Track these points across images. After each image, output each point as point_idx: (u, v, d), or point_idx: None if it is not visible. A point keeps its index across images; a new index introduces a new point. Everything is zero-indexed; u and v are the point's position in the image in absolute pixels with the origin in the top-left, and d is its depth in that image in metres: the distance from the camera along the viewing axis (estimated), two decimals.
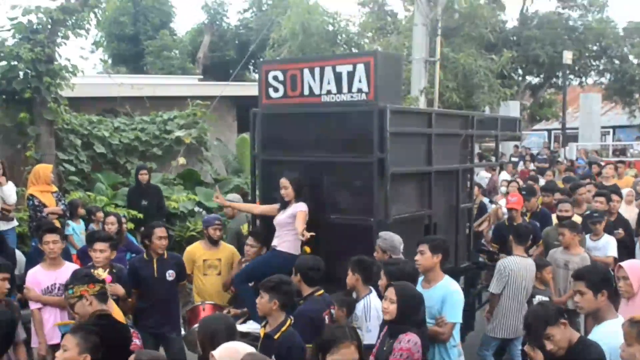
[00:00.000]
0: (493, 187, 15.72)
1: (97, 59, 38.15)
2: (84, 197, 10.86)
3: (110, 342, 4.46)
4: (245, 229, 9.45)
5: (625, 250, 8.80)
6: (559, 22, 31.74)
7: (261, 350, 4.95)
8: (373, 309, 5.69)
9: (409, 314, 4.81)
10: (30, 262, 7.47)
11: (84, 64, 42.68)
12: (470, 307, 8.46)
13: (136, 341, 5.09)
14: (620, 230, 9.16)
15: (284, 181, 6.91)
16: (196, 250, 7.84)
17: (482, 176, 16.85)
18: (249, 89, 15.17)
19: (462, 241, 8.36)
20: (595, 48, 33.09)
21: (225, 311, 7.01)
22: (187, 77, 25.48)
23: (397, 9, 29.47)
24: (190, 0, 53.47)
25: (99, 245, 6.57)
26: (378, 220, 6.69)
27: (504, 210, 9.92)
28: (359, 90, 6.93)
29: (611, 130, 37.45)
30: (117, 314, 5.41)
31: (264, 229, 7.53)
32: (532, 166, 20.53)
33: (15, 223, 9.28)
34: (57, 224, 8.74)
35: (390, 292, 4.88)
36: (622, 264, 5.24)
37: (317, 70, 7.19)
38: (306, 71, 7.26)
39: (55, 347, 6.60)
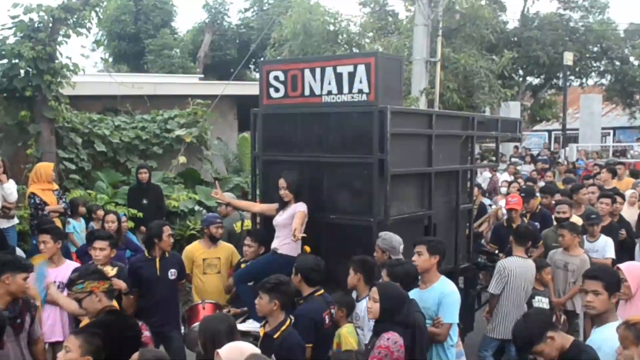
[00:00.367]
0: (493, 188, 15.74)
1: (98, 57, 38.26)
2: (84, 196, 10.87)
3: (122, 335, 4.49)
4: (238, 227, 9.49)
5: (627, 252, 8.81)
6: (559, 23, 31.77)
7: (261, 349, 4.96)
8: None
9: (392, 313, 4.83)
10: None
11: (85, 62, 42.61)
12: (470, 308, 8.48)
13: (146, 333, 5.14)
14: (623, 231, 9.18)
15: (282, 182, 6.92)
16: (195, 250, 7.85)
17: (486, 176, 16.88)
18: (250, 88, 15.16)
19: (462, 242, 8.37)
20: (596, 49, 33.12)
21: (225, 310, 7.03)
22: (188, 76, 25.50)
23: (398, 9, 29.50)
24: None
25: (98, 244, 6.60)
26: (378, 221, 6.70)
27: (504, 211, 9.94)
28: (360, 91, 6.94)
29: (611, 132, 37.49)
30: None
31: (264, 228, 7.54)
32: (532, 167, 20.54)
33: (15, 221, 9.27)
34: (58, 222, 8.76)
35: (374, 292, 4.92)
36: (620, 266, 5.25)
37: (317, 71, 7.20)
38: (307, 71, 7.27)
39: (54, 345, 6.64)
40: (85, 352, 4.16)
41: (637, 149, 31.32)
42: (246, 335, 6.13)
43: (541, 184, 13.97)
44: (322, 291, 5.90)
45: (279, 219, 7.00)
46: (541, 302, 7.67)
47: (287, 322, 5.18)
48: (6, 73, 10.90)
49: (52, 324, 6.60)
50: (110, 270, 5.31)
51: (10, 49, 10.80)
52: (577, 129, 33.52)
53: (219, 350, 3.90)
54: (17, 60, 10.82)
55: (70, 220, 9.44)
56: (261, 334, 5.27)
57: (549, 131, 37.71)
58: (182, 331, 7.07)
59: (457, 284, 7.75)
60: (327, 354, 5.67)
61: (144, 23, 34.52)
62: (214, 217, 8.18)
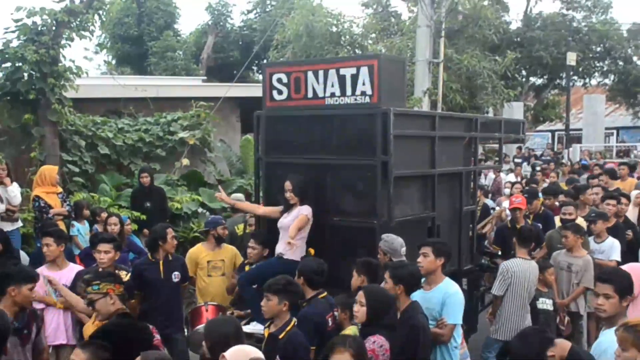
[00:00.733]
0: (497, 189, 15.73)
1: (101, 60, 38.28)
2: (87, 198, 10.88)
3: (134, 338, 4.50)
4: (240, 229, 9.49)
5: (631, 253, 8.80)
6: (563, 23, 31.76)
7: (265, 350, 4.98)
8: None
9: (378, 316, 4.83)
10: (34, 263, 7.49)
11: (88, 64, 42.66)
12: (474, 309, 8.47)
13: (156, 336, 5.14)
14: (629, 232, 9.18)
15: (288, 184, 6.92)
16: (199, 252, 7.86)
17: (492, 178, 16.87)
18: (253, 90, 15.17)
19: (466, 243, 8.36)
20: (599, 49, 33.09)
21: (228, 312, 7.04)
22: (191, 78, 25.52)
23: (400, 10, 29.46)
24: (195, 2, 53.53)
25: (103, 247, 6.61)
26: (381, 223, 6.70)
27: (508, 212, 9.93)
28: (363, 93, 6.93)
29: (615, 132, 37.46)
30: None
31: (268, 231, 7.54)
32: (537, 167, 20.52)
33: (19, 224, 9.32)
34: (62, 225, 8.78)
35: (360, 296, 4.95)
36: (623, 267, 5.26)
37: (321, 73, 7.19)
38: (310, 74, 7.27)
39: (58, 348, 6.66)
40: None
41: None
42: (249, 338, 6.14)
43: (544, 184, 13.96)
44: (325, 294, 5.90)
45: (283, 222, 7.00)
46: (545, 304, 7.67)
47: (292, 323, 5.19)
48: (10, 76, 10.92)
49: (55, 327, 6.62)
50: (124, 275, 5.33)
51: (13, 52, 10.83)
52: (580, 129, 33.52)
53: (225, 354, 3.90)
54: (20, 64, 10.85)
55: (74, 223, 9.47)
56: (265, 335, 5.28)
57: (553, 131, 37.72)
58: (185, 333, 7.07)
59: (460, 285, 7.76)
60: None
61: (147, 25, 34.58)
62: (219, 218, 8.21)
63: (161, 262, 6.91)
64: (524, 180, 14.76)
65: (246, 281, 6.96)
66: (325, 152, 7.14)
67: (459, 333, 5.84)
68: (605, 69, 34.38)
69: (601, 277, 4.80)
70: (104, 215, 9.23)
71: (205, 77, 26.48)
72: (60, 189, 9.54)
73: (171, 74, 30.51)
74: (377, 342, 4.75)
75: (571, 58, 27.85)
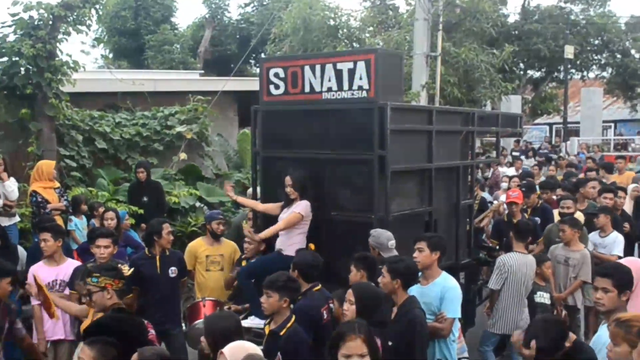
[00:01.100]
0: (495, 182, 15.73)
1: (98, 54, 38.19)
2: (85, 193, 10.87)
3: (128, 333, 4.50)
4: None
5: (628, 245, 8.83)
6: (560, 16, 31.70)
7: (267, 347, 4.99)
8: None
9: (369, 314, 4.82)
10: (32, 258, 7.50)
11: (85, 58, 42.68)
12: (471, 303, 8.49)
13: (151, 331, 5.14)
14: (627, 225, 9.20)
15: (288, 179, 6.92)
16: (198, 246, 7.86)
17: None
18: (251, 84, 15.14)
19: (463, 237, 8.38)
20: (597, 42, 33.07)
21: (226, 307, 7.04)
22: (188, 72, 25.48)
23: (398, 2, 29.49)
24: None
25: (102, 242, 6.63)
26: (378, 217, 6.71)
27: (505, 206, 9.94)
28: (360, 88, 6.93)
29: (613, 125, 37.48)
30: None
31: (264, 226, 7.54)
32: (534, 161, 20.53)
33: (17, 219, 9.30)
34: (60, 220, 8.78)
35: (349, 294, 4.95)
36: (620, 261, 5.27)
37: (317, 68, 7.19)
38: (307, 68, 7.26)
39: (56, 343, 6.66)
40: None
41: (638, 142, 31.34)
42: (247, 332, 6.15)
43: (541, 178, 13.98)
44: (319, 286, 5.91)
45: (283, 217, 7.01)
46: (542, 297, 7.69)
47: (293, 319, 5.19)
48: (6, 71, 10.90)
49: (53, 322, 6.61)
50: (127, 270, 5.31)
51: (10, 47, 10.80)
52: (578, 122, 33.51)
53: (223, 350, 3.90)
54: (17, 58, 10.82)
55: (72, 217, 9.47)
56: (266, 332, 5.28)
57: (550, 124, 37.71)
58: (183, 329, 7.08)
59: (458, 279, 7.77)
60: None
61: (144, 19, 34.50)
62: (217, 213, 8.21)
63: (158, 257, 6.93)
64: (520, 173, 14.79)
65: (245, 275, 6.97)
66: (322, 147, 7.14)
67: (456, 327, 5.87)
68: (603, 61, 34.34)
69: (600, 272, 4.82)
70: (101, 209, 9.23)
71: (202, 71, 26.42)
72: (57, 184, 9.52)
73: (168, 67, 30.46)
74: None
75: (569, 51, 27.83)
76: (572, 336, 4.41)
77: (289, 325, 5.14)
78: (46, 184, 9.24)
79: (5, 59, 10.96)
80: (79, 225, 9.50)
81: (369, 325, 4.71)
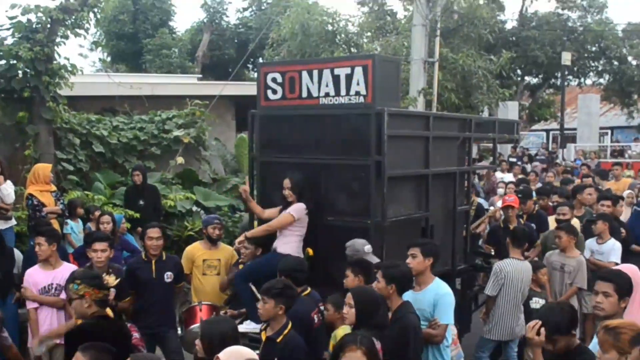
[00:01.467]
0: (491, 188, 15.73)
1: (96, 58, 38.21)
2: (82, 196, 10.86)
3: (111, 337, 4.48)
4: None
5: (623, 251, 8.84)
6: (558, 23, 31.82)
7: (263, 353, 4.99)
8: None
9: (368, 318, 4.85)
10: (28, 262, 7.49)
11: (83, 62, 42.60)
12: (467, 309, 8.50)
13: (135, 335, 5.13)
14: (623, 231, 9.22)
15: (286, 182, 6.91)
16: (195, 250, 7.85)
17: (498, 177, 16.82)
18: (248, 89, 15.18)
19: (459, 243, 8.38)
20: (594, 49, 33.15)
21: (222, 312, 7.04)
22: (186, 76, 25.49)
23: (396, 8, 29.50)
24: None
25: (99, 245, 6.62)
26: (375, 222, 6.71)
27: (502, 212, 9.96)
28: (357, 93, 6.94)
29: (609, 131, 37.54)
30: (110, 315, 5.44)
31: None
32: (529, 167, 20.55)
33: (13, 222, 9.29)
34: (56, 223, 8.77)
35: (349, 298, 4.96)
36: (617, 267, 5.28)
37: (315, 73, 7.20)
38: (304, 73, 7.27)
39: (52, 347, 6.65)
40: None
41: (635, 148, 31.38)
42: (243, 337, 6.14)
43: (538, 185, 14.00)
44: (308, 290, 5.92)
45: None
46: (538, 304, 7.69)
47: (289, 326, 5.19)
48: (4, 74, 10.90)
49: (48, 327, 6.61)
50: (112, 281, 5.27)
51: (8, 50, 10.80)
52: (575, 129, 33.55)
53: (219, 355, 3.90)
54: (15, 61, 10.82)
55: (68, 221, 9.47)
56: (263, 338, 5.27)
57: (547, 131, 37.78)
58: (179, 333, 7.08)
59: (454, 285, 7.79)
60: (319, 354, 5.68)
61: (142, 22, 34.50)
62: (213, 217, 8.18)
63: (153, 262, 6.93)
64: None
65: (242, 278, 6.96)
66: (319, 152, 7.14)
67: (450, 332, 5.88)
68: (600, 68, 34.43)
69: (602, 276, 4.84)
70: (97, 213, 9.23)
71: (200, 75, 26.46)
72: (54, 187, 9.51)
73: (166, 71, 30.47)
74: None
75: (566, 58, 27.89)
76: (576, 340, 4.44)
77: (285, 332, 5.14)
78: (42, 187, 9.23)
79: (3, 62, 10.96)
80: (75, 229, 9.49)
81: (369, 328, 4.74)
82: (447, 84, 18.88)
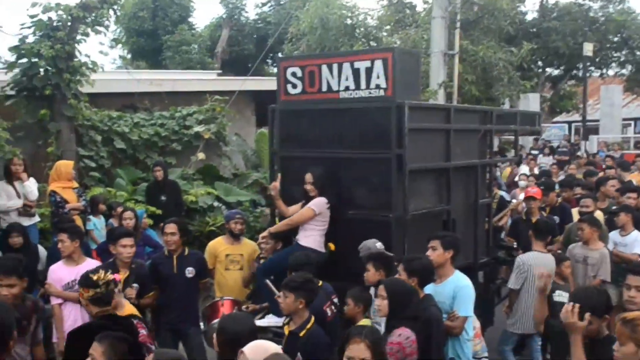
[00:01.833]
0: (512, 181, 15.64)
1: (116, 55, 38.39)
2: (104, 193, 10.94)
3: None
4: None
5: None
6: (579, 13, 31.42)
7: (286, 348, 4.98)
8: None
9: (400, 309, 4.85)
10: (52, 258, 7.56)
11: (104, 59, 42.93)
12: (490, 303, 8.46)
13: (142, 332, 5.12)
14: None
15: (308, 176, 6.91)
16: (218, 245, 7.87)
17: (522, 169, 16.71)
18: (268, 84, 15.16)
19: (481, 236, 8.33)
20: (616, 39, 32.73)
21: (244, 306, 7.05)
22: (206, 72, 25.54)
23: (415, 1, 29.36)
24: None
25: (126, 241, 6.65)
26: (396, 216, 6.70)
27: (524, 205, 9.89)
28: (377, 87, 6.92)
29: (632, 122, 37.09)
30: (131, 311, 5.44)
31: None
32: (552, 159, 20.38)
33: (37, 219, 9.38)
34: (78, 220, 8.84)
35: (381, 290, 4.96)
36: None
37: (335, 67, 7.19)
38: (324, 67, 7.26)
39: None
40: (110, 359, 4.13)
41: None
42: (265, 332, 6.16)
43: (560, 177, 13.88)
44: (319, 283, 5.90)
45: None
46: (562, 297, 7.60)
47: (312, 320, 5.18)
48: (26, 72, 10.99)
49: (73, 322, 6.63)
50: (103, 276, 5.16)
51: (29, 48, 10.88)
52: (597, 120, 33.20)
53: (243, 349, 3.90)
54: (36, 59, 10.91)
55: (91, 217, 9.53)
56: (286, 333, 5.28)
57: (569, 123, 37.39)
58: (202, 328, 7.10)
59: (476, 278, 7.76)
60: (333, 347, 5.67)
61: (161, 19, 34.64)
62: (235, 212, 8.19)
63: (175, 257, 6.96)
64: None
65: (263, 272, 6.98)
66: (339, 146, 7.14)
67: (470, 326, 5.86)
68: (622, 59, 33.99)
69: (635, 270, 4.79)
70: (120, 209, 9.28)
71: (220, 71, 26.49)
72: (76, 184, 9.58)
73: (186, 67, 30.55)
74: (403, 335, 4.75)
75: (588, 48, 27.58)
76: (605, 330, 4.42)
77: (308, 326, 5.14)
78: (65, 184, 9.30)
79: (24, 60, 11.05)
80: (97, 225, 9.56)
81: (402, 320, 4.73)
82: (467, 76, 18.79)
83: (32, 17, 10.99)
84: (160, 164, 11.26)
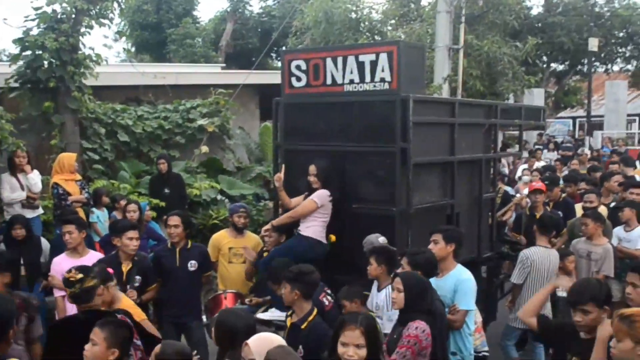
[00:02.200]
0: (514, 177, 15.60)
1: (120, 48, 38.41)
2: (107, 186, 10.95)
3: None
4: None
5: None
6: (584, 8, 31.30)
7: (288, 340, 4.98)
8: None
9: (416, 302, 4.85)
10: (54, 250, 7.56)
11: (108, 52, 42.85)
12: (493, 297, 8.45)
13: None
14: None
15: (312, 168, 6.88)
16: (222, 238, 7.87)
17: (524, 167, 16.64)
18: (272, 77, 15.16)
19: (485, 231, 8.31)
20: (621, 35, 32.62)
21: (247, 300, 7.05)
22: (210, 65, 25.53)
23: None
24: None
25: (132, 234, 6.65)
26: (400, 210, 6.68)
27: (528, 200, 9.87)
28: (382, 80, 6.89)
29: (637, 118, 36.98)
30: (127, 305, 5.44)
31: None
32: (556, 154, 20.32)
33: (40, 211, 9.39)
34: (81, 212, 8.84)
35: (397, 282, 4.94)
36: None
37: (339, 60, 7.16)
38: (329, 60, 7.23)
39: None
40: (111, 345, 4.15)
41: None
42: (268, 325, 6.16)
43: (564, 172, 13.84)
44: None
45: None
46: (565, 292, 7.60)
47: (314, 312, 5.18)
48: (30, 64, 11.00)
49: None
50: (73, 276, 5.10)
51: (33, 41, 10.89)
52: (602, 116, 33.12)
53: (248, 341, 3.90)
54: (40, 52, 10.91)
55: (94, 210, 9.53)
56: (288, 324, 5.28)
57: (574, 118, 37.31)
58: (205, 321, 7.09)
59: (480, 273, 7.74)
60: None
61: (165, 12, 34.60)
62: (239, 206, 8.18)
63: (178, 250, 6.95)
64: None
65: (267, 266, 6.97)
66: (344, 139, 7.12)
67: (471, 320, 5.86)
68: (627, 54, 33.89)
69: (634, 267, 4.80)
70: (123, 202, 9.28)
71: (224, 64, 26.45)
72: (79, 177, 9.58)
73: (190, 61, 30.53)
74: (419, 328, 4.76)
75: (593, 44, 27.47)
76: (608, 325, 4.39)
77: (310, 318, 5.13)
78: (67, 176, 9.30)
79: (28, 52, 11.06)
80: (100, 218, 9.56)
81: (417, 313, 4.73)
82: (472, 71, 18.71)
83: (36, 9, 11.00)
84: (165, 157, 11.26)
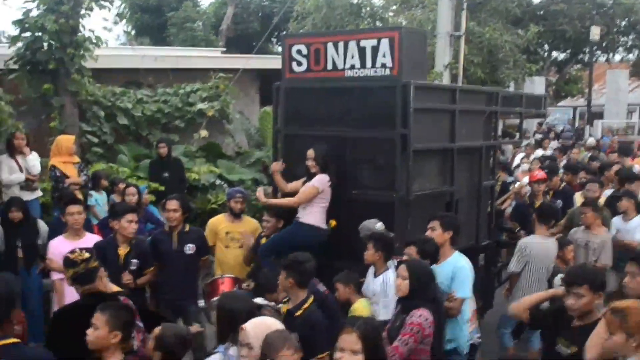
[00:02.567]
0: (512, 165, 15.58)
1: (120, 31, 38.25)
2: (106, 169, 10.93)
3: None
4: None
5: None
6: None
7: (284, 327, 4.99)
8: (391, 285, 5.69)
9: (421, 290, 4.86)
10: (52, 233, 7.55)
11: (108, 35, 42.70)
12: (490, 286, 8.45)
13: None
14: None
15: (310, 152, 6.84)
16: (218, 223, 7.87)
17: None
18: (272, 62, 15.09)
19: (484, 219, 8.30)
20: (623, 24, 32.51)
21: (244, 284, 7.04)
22: (210, 49, 25.41)
23: None
24: None
25: (131, 217, 6.63)
26: (400, 196, 6.66)
27: (528, 188, 9.85)
28: (383, 65, 6.85)
29: (638, 108, 36.91)
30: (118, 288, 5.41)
31: None
32: (557, 143, 20.30)
33: (39, 193, 9.38)
34: (79, 194, 8.82)
35: (402, 269, 4.94)
36: None
37: (341, 45, 7.11)
38: (330, 45, 7.18)
39: None
40: (113, 328, 4.13)
41: None
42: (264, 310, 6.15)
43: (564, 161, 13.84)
44: None
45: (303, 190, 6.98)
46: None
47: (309, 301, 5.16)
48: (30, 46, 10.94)
49: (73, 297, 6.59)
50: (79, 255, 5.06)
51: (33, 22, 10.83)
52: (602, 105, 33.06)
53: (244, 325, 3.90)
54: (40, 34, 10.85)
55: (92, 193, 9.51)
56: (283, 311, 5.27)
57: (574, 107, 37.26)
58: (202, 305, 7.09)
59: (477, 261, 7.73)
60: (335, 323, 5.65)
61: None
62: (236, 191, 8.17)
63: (175, 234, 6.94)
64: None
65: (267, 251, 6.96)
66: (344, 125, 7.09)
67: (467, 307, 5.86)
68: (629, 44, 33.82)
69: (634, 257, 4.80)
70: (122, 185, 9.25)
71: (224, 49, 26.34)
72: (77, 159, 9.55)
73: (190, 44, 30.38)
74: (422, 316, 4.78)
75: (595, 32, 27.38)
76: (597, 314, 4.40)
77: (305, 306, 5.11)
78: (65, 159, 9.27)
79: (28, 34, 11.00)
80: (99, 201, 9.54)
81: (421, 301, 4.73)
82: (473, 58, 18.69)
83: None
84: (165, 141, 11.24)
